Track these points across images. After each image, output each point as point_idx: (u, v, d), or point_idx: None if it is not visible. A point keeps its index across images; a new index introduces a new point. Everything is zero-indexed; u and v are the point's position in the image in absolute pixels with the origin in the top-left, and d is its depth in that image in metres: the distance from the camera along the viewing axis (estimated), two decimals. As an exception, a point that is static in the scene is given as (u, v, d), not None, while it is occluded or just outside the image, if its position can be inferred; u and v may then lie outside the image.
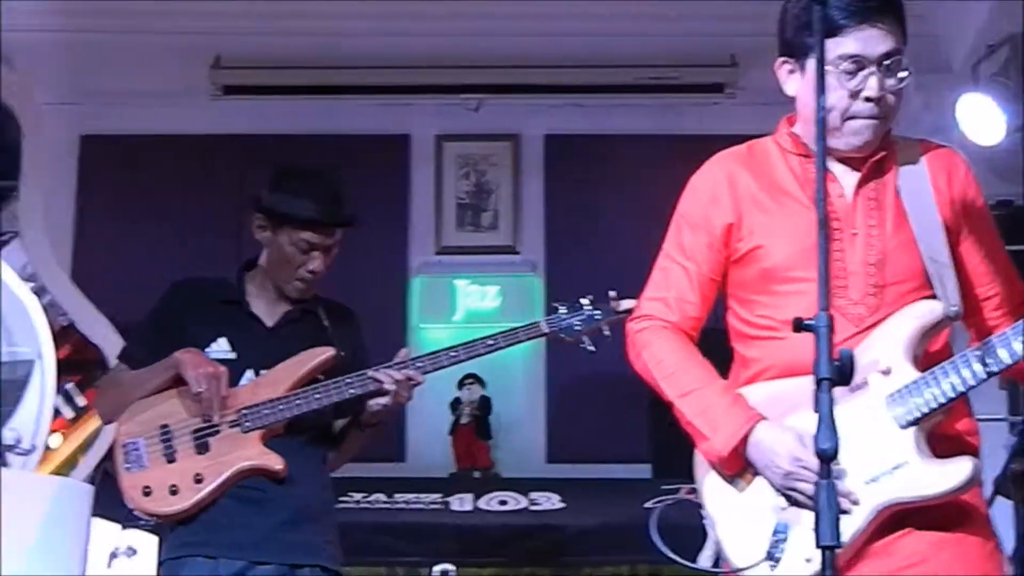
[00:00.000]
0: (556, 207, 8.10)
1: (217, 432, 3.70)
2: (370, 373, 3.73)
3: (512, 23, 7.50)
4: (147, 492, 3.66)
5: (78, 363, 6.52)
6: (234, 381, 3.75)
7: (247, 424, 3.70)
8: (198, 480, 3.65)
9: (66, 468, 6.21)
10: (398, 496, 6.80)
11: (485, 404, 7.74)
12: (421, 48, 7.78)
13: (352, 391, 3.75)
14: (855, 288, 2.89)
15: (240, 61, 7.86)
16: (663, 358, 3.02)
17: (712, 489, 2.99)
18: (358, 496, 6.68)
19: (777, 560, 2.76)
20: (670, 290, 3.10)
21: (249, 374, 3.80)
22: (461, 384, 7.71)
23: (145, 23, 7.51)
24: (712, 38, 7.67)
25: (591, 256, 7.63)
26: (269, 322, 3.90)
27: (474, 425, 7.70)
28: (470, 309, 7.91)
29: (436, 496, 6.81)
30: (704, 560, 2.96)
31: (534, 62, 7.80)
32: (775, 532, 2.78)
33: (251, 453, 3.69)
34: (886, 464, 2.75)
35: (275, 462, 3.70)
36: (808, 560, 2.74)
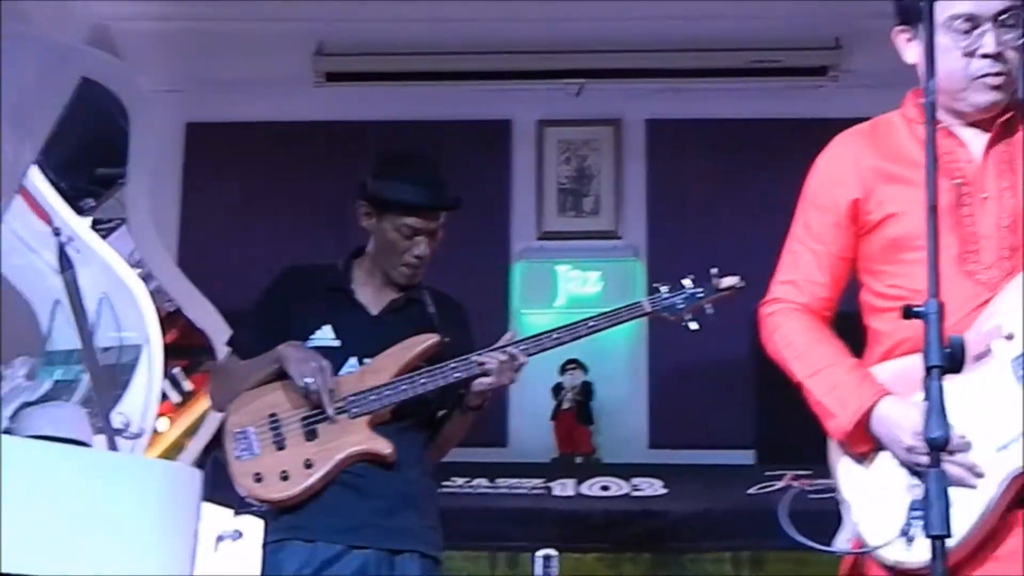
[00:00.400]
0: (658, 192, 8.07)
1: (325, 419, 3.70)
2: (474, 357, 3.73)
3: (614, 7, 7.45)
4: (258, 479, 3.68)
5: (184, 348, 6.56)
6: (337, 369, 3.74)
7: (354, 410, 3.71)
8: (308, 466, 3.67)
9: (173, 452, 6.25)
10: (500, 481, 6.85)
11: (587, 389, 7.74)
12: (522, 33, 7.74)
13: (457, 375, 3.74)
14: (987, 252, 2.86)
15: (342, 48, 7.90)
16: (792, 339, 3.03)
17: (846, 473, 2.94)
18: (460, 481, 6.73)
19: (912, 538, 2.71)
20: (799, 272, 3.10)
21: (352, 362, 3.80)
22: (563, 369, 7.72)
23: (249, 11, 7.56)
24: (816, 20, 7.60)
25: (693, 241, 7.60)
26: (374, 310, 3.90)
27: (576, 410, 7.71)
28: (572, 295, 7.92)
29: (538, 481, 6.83)
30: (841, 544, 2.92)
31: (636, 46, 7.77)
32: (910, 510, 2.73)
33: (359, 438, 3.70)
34: (1015, 430, 2.70)
35: (384, 447, 3.69)
36: None
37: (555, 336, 3.78)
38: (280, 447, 3.69)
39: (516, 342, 3.75)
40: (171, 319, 6.56)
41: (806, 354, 2.98)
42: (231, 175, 7.98)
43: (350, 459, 3.69)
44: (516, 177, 8.11)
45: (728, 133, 7.94)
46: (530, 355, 3.75)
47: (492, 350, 3.73)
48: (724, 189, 7.84)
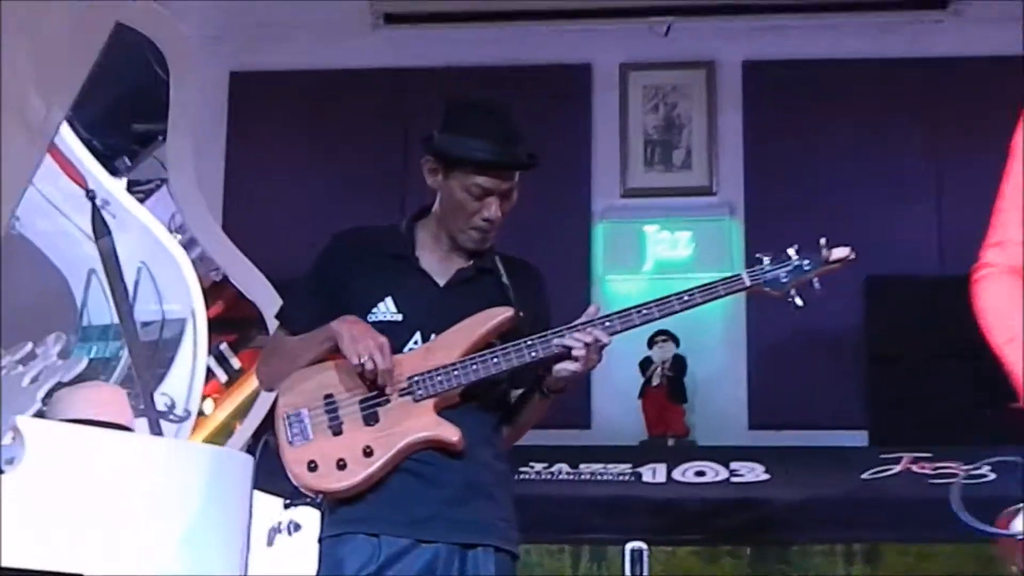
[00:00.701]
0: (756, 143, 8.06)
1: (386, 402, 3.62)
2: (555, 341, 3.72)
3: (706, -65, 7.47)
4: (312, 467, 3.59)
5: (232, 321, 6.47)
6: (399, 346, 3.66)
7: (419, 392, 3.63)
8: (368, 453, 3.60)
9: (221, 436, 6.14)
10: (583, 467, 6.86)
11: (679, 364, 7.77)
12: (603, -33, 7.81)
13: (534, 355, 3.71)
14: None
15: (403, -14, 7.96)
16: (993, 305, 3.06)
17: None
18: (539, 467, 6.77)
19: None
20: (1005, 233, 3.13)
21: (416, 338, 3.71)
22: (652, 342, 7.74)
23: (298, -54, 7.59)
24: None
25: (796, 198, 7.62)
26: (441, 280, 3.78)
27: (667, 387, 7.74)
28: (660, 258, 7.94)
29: (625, 466, 6.86)
30: (1017, 526, 2.92)
31: (730, -22, 7.84)
32: None
33: (424, 423, 3.63)
34: None
35: (451, 433, 3.61)
36: None
37: (644, 312, 3.66)
38: (337, 432, 3.63)
39: (600, 319, 3.71)
40: (217, 289, 6.47)
41: (1003, 319, 3.01)
42: (280, 129, 8.04)
43: (414, 446, 3.63)
44: (597, 128, 8.13)
45: (835, 75, 7.92)
46: (615, 333, 3.71)
47: (574, 328, 3.70)
48: (831, 139, 7.83)
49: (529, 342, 3.61)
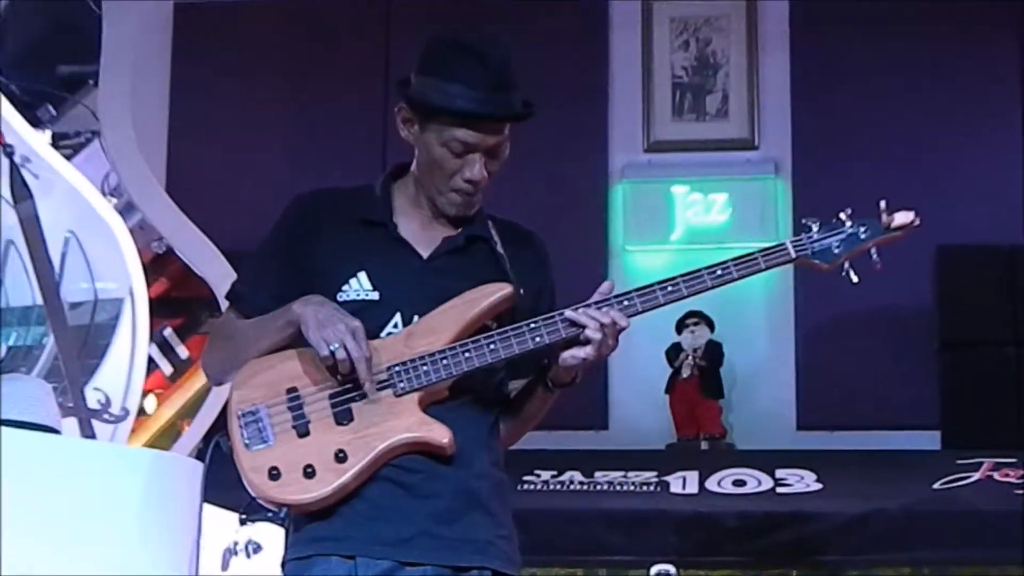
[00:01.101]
0: (806, 86, 8.03)
1: (362, 397, 3.57)
2: (568, 313, 3.69)
3: None
4: (274, 475, 3.54)
5: (178, 301, 6.57)
6: (377, 330, 3.61)
7: (401, 385, 3.58)
8: (340, 459, 3.55)
9: (167, 439, 6.26)
10: (599, 475, 6.85)
11: (714, 351, 7.74)
12: None
13: (538, 339, 3.58)
14: None
15: None
16: None
17: None
18: (546, 475, 6.77)
19: None
20: None
21: (397, 320, 3.66)
22: (682, 326, 7.72)
23: None
24: None
25: (854, 152, 7.59)
26: (424, 251, 3.73)
27: (699, 380, 7.72)
28: (692, 225, 7.92)
29: (650, 475, 6.85)
30: None
31: None
32: None
33: (408, 423, 3.58)
34: None
35: (439, 434, 3.56)
36: None
37: (670, 289, 3.61)
38: (303, 433, 3.58)
39: (618, 296, 3.68)
40: (160, 263, 6.54)
41: None
42: (235, 72, 8.02)
43: (396, 450, 3.57)
44: (615, 70, 8.11)
45: (900, 6, 7.87)
46: (635, 315, 3.60)
47: (587, 307, 3.62)
48: (895, 82, 7.80)
49: (532, 324, 3.57)
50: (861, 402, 7.65)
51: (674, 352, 7.76)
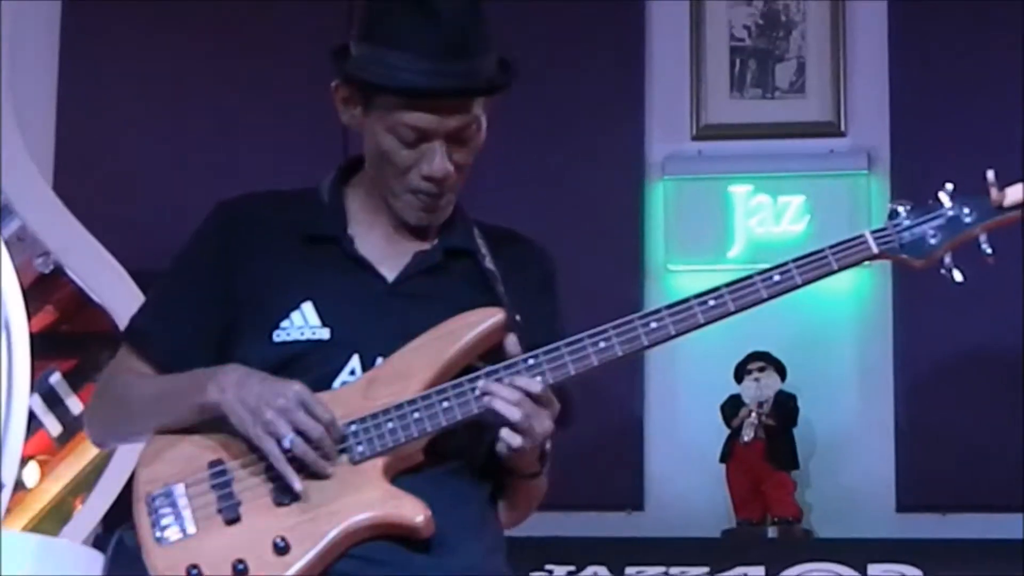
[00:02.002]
0: (908, 56, 7.51)
1: (308, 467, 3.39)
2: (480, 382, 3.33)
3: None
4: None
5: (70, 337, 6.44)
6: (328, 378, 3.41)
7: (360, 449, 3.36)
8: (281, 550, 3.28)
9: (53, 521, 6.16)
10: (632, 571, 6.68)
11: (785, 407, 7.13)
12: None
13: (451, 415, 3.34)
14: None
15: None
16: None
17: None
18: (562, 571, 6.66)
19: None
20: None
21: (354, 364, 3.45)
22: (743, 371, 7.14)
23: None
24: None
25: (967, 139, 7.05)
26: (389, 272, 3.53)
27: (766, 444, 7.09)
28: (756, 237, 7.40)
29: (700, 571, 6.69)
30: None
31: None
32: None
33: (369, 498, 3.35)
34: None
35: (410, 511, 3.31)
36: None
37: (711, 306, 3.32)
38: (231, 519, 3.35)
39: (546, 351, 3.35)
40: (46, 286, 6.47)
41: None
42: (144, 41, 7.68)
43: (354, 535, 3.32)
44: (655, 31, 7.65)
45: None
46: (642, 349, 3.32)
47: (497, 371, 3.35)
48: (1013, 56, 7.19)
49: (441, 390, 3.39)
50: (980, 477, 7.05)
51: (732, 408, 7.15)
